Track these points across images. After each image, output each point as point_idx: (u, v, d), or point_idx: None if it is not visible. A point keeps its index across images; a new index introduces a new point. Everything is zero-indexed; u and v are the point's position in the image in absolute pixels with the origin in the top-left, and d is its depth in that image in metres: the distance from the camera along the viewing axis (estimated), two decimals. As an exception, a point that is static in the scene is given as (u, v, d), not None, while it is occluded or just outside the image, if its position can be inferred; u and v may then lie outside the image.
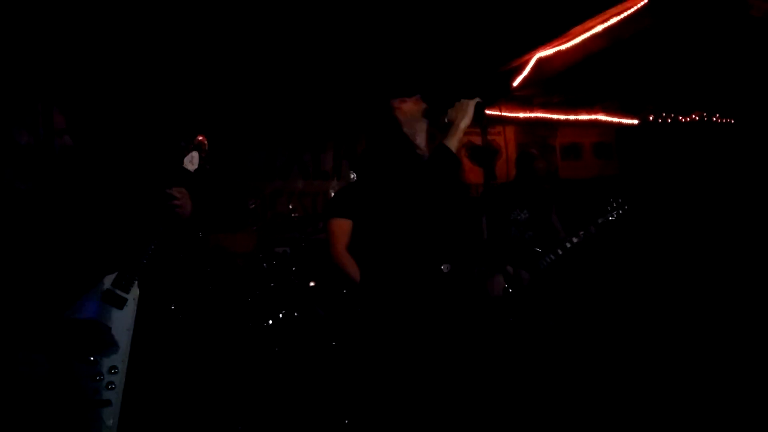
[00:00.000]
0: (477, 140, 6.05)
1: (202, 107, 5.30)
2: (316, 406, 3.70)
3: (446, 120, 2.34)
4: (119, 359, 2.04)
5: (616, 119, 8.01)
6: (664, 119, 8.07)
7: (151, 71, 4.82)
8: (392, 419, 2.25)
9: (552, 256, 4.07)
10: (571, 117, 7.87)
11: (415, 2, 4.48)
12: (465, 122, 2.28)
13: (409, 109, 2.46)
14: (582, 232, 4.07)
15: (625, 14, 4.59)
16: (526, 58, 5.79)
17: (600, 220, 4.10)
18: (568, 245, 4.06)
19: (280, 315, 4.50)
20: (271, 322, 4.44)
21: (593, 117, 7.92)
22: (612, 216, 4.10)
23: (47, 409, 1.75)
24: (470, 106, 2.29)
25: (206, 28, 4.50)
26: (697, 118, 8.09)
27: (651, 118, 8.05)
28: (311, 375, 4.07)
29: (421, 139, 2.43)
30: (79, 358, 1.95)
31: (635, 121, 8.07)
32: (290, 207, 5.75)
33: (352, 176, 6.54)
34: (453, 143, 2.27)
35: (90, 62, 4.10)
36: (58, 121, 2.02)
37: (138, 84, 4.80)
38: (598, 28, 4.85)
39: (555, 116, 7.77)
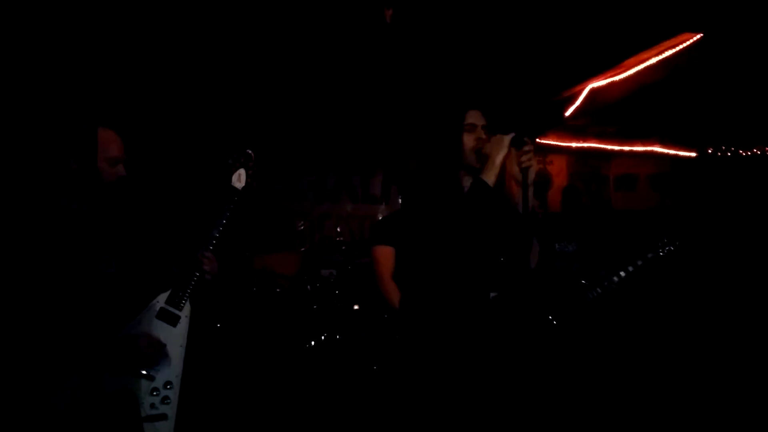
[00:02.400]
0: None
1: (254, 130, 5.47)
2: (354, 427, 3.74)
3: (483, 153, 2.37)
4: (174, 374, 2.14)
5: (672, 151, 7.83)
6: (724, 152, 7.83)
7: (206, 92, 5.00)
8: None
9: (599, 290, 4.01)
10: (626, 148, 7.73)
11: (469, 30, 4.55)
12: (500, 157, 2.31)
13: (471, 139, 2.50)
14: (630, 267, 4.00)
15: (681, 47, 4.54)
16: (579, 88, 5.78)
17: (650, 255, 4.02)
18: (616, 279, 4.00)
19: (322, 337, 4.57)
20: (313, 343, 4.51)
21: (649, 148, 7.76)
22: (662, 251, 4.01)
23: (105, 426, 1.85)
24: (506, 140, 2.32)
25: (258, 51, 4.66)
26: (759, 152, 7.82)
27: (710, 151, 7.83)
28: (350, 397, 4.11)
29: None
30: (136, 374, 2.05)
31: (693, 154, 7.86)
32: (338, 230, 5.82)
33: (400, 200, 6.60)
34: (490, 177, 2.29)
35: (139, 81, 4.26)
36: (116, 150, 2.13)
37: (188, 104, 4.97)
38: (653, 60, 4.81)
39: (608, 146, 7.67)
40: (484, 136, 2.45)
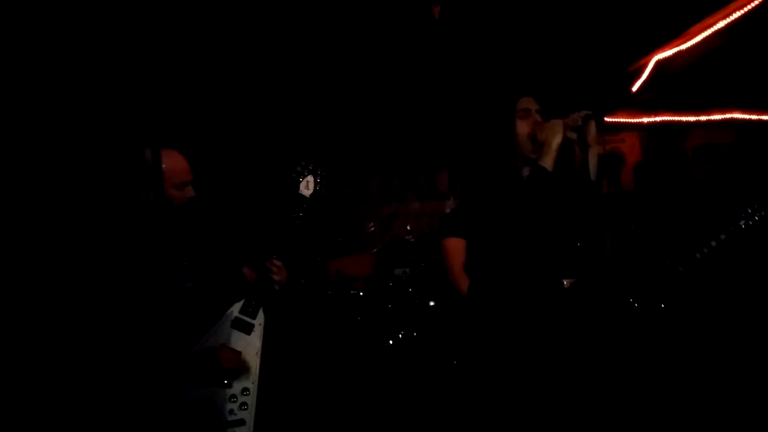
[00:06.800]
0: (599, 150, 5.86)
1: (318, 136, 5.59)
2: (437, 422, 3.76)
3: (539, 141, 2.36)
4: (250, 381, 2.23)
5: (754, 116, 7.37)
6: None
7: (272, 102, 5.13)
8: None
9: (681, 268, 3.86)
10: (702, 118, 7.35)
11: (525, 13, 4.49)
12: (557, 140, 2.30)
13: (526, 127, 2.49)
14: (714, 242, 3.82)
15: (749, 7, 4.29)
16: (644, 61, 5.57)
17: (733, 228, 3.82)
18: (698, 255, 3.82)
19: (400, 335, 4.62)
20: (391, 342, 4.57)
21: (727, 116, 7.35)
22: (747, 223, 3.80)
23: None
24: (559, 124, 2.32)
25: (319, 58, 4.75)
26: None
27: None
28: (432, 393, 4.13)
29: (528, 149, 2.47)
30: (215, 382, 2.16)
31: (776, 117, 7.38)
32: (408, 228, 5.87)
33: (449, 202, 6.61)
34: (548, 162, 2.30)
35: (202, 95, 4.37)
36: (183, 175, 2.25)
37: (253, 114, 5.11)
38: (720, 25, 4.57)
39: (683, 118, 7.31)
40: (539, 120, 2.43)
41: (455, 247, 2.97)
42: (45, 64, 2.99)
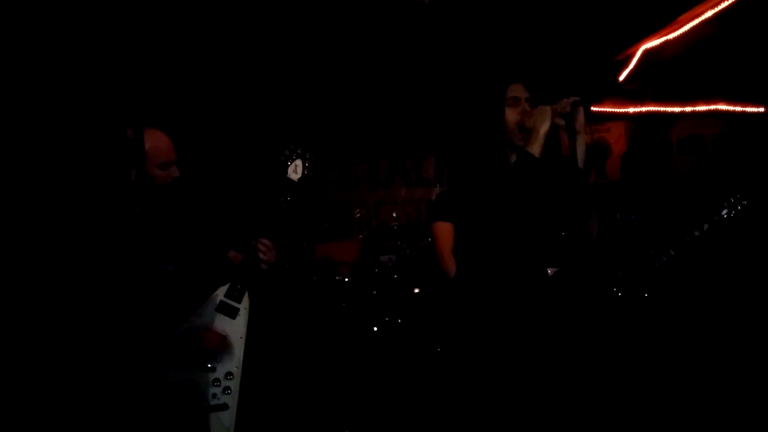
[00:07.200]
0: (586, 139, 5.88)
1: (305, 121, 5.54)
2: (421, 409, 3.78)
3: (527, 128, 2.35)
4: (234, 365, 2.22)
5: (738, 108, 7.42)
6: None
7: (257, 87, 5.08)
8: (493, 420, 2.28)
9: (665, 257, 3.89)
10: (688, 108, 7.39)
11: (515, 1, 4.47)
12: (545, 127, 2.29)
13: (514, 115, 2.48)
14: (696, 232, 3.85)
15: (737, -3, 4.30)
16: (632, 50, 5.57)
17: (716, 218, 3.86)
18: (682, 245, 3.86)
19: (386, 319, 4.63)
20: (375, 329, 4.57)
21: (712, 107, 7.39)
22: (729, 213, 3.84)
23: (170, 416, 1.95)
24: (548, 111, 2.30)
25: (304, 41, 4.69)
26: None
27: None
28: (416, 379, 4.15)
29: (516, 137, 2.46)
30: (199, 366, 2.14)
31: (761, 109, 7.43)
32: (394, 215, 5.85)
33: (436, 188, 6.63)
34: (535, 149, 2.29)
35: (191, 77, 4.32)
36: (166, 154, 2.21)
37: (241, 97, 5.05)
38: (708, 14, 4.57)
39: (668, 109, 7.35)
40: (528, 110, 2.42)
41: (444, 230, 2.99)
42: (26, 46, 2.93)
